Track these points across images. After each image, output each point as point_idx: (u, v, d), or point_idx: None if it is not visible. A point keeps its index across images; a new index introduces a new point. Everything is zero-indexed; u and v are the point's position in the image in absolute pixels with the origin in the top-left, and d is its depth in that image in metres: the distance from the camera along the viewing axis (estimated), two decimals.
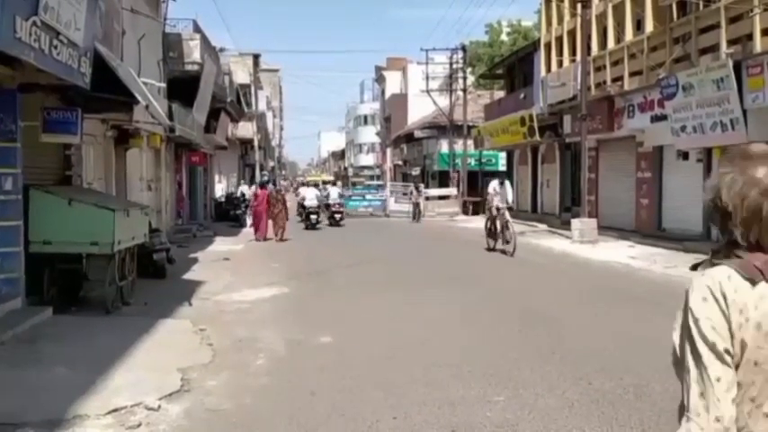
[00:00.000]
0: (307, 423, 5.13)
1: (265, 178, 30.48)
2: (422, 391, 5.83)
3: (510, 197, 17.58)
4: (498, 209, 17.00)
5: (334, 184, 41.44)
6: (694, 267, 1.74)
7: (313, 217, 25.34)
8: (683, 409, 1.65)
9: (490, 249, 17.32)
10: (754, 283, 1.61)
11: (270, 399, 5.76)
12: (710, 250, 1.74)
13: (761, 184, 1.62)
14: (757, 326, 1.61)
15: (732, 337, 1.61)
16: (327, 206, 28.17)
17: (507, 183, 18.29)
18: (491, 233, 17.58)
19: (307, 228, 25.03)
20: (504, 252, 16.52)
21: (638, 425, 5.02)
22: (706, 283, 1.65)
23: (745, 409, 1.63)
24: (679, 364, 1.70)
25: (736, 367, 1.62)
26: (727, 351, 1.60)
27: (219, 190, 34.42)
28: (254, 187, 25.92)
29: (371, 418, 5.20)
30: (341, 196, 30.20)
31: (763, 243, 1.64)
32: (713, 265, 1.68)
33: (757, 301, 1.61)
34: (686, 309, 1.66)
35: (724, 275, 1.63)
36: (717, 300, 1.62)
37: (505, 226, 16.75)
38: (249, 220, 23.76)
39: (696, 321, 1.62)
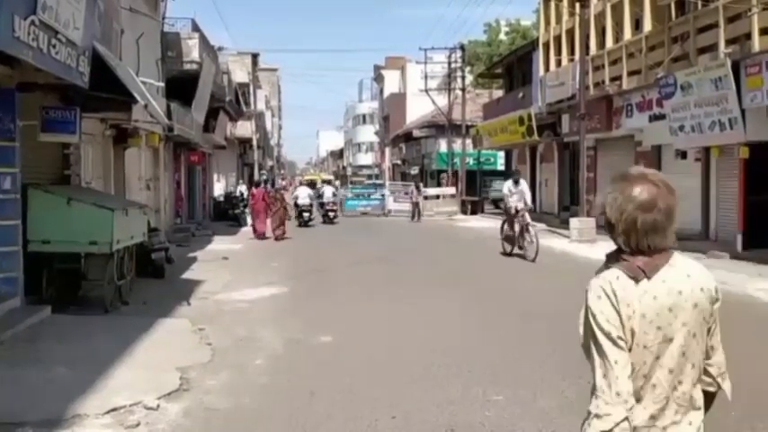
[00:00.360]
0: (306, 423, 5.13)
1: (264, 177, 30.49)
2: (422, 391, 5.83)
3: (528, 197, 16.13)
4: (518, 210, 15.54)
5: (329, 183, 41.66)
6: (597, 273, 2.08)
7: (305, 215, 25.92)
8: (594, 390, 1.97)
9: (507, 254, 15.87)
10: (637, 280, 1.99)
11: (269, 398, 5.76)
12: (605, 255, 2.11)
13: (635, 201, 2.00)
14: (642, 315, 1.97)
15: (623, 326, 1.97)
16: (322, 205, 28.45)
17: (523, 181, 16.70)
18: (508, 237, 15.98)
19: (300, 225, 25.28)
20: (522, 257, 15.30)
21: None
22: (599, 283, 2.02)
23: (639, 384, 1.98)
24: (586, 353, 2.04)
25: (630, 350, 1.97)
26: (620, 337, 1.96)
27: (218, 189, 34.38)
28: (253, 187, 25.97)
29: (371, 417, 5.20)
30: (335, 195, 30.91)
31: (641, 248, 2.01)
32: (607, 268, 2.05)
33: (641, 295, 1.98)
34: (586, 306, 2.03)
35: (613, 276, 2.01)
36: (608, 296, 1.98)
37: (525, 229, 15.39)
38: (249, 220, 23.77)
39: (594, 316, 1.99)
